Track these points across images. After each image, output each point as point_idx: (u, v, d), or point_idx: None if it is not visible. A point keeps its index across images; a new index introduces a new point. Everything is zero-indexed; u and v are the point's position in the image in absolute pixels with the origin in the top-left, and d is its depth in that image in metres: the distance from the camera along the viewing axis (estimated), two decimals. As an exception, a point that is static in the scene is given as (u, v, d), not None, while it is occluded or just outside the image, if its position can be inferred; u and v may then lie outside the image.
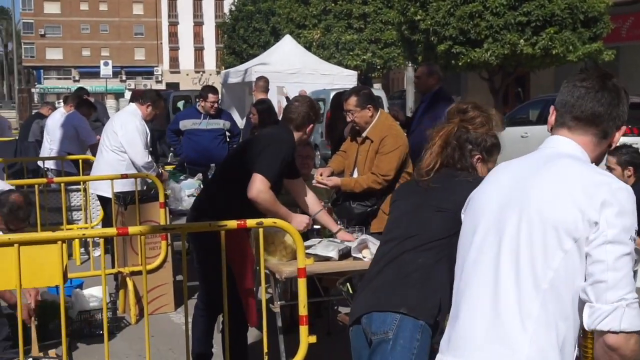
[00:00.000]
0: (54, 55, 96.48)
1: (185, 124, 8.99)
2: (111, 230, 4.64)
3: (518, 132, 15.45)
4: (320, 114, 20.53)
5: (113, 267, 6.77)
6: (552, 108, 2.30)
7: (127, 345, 5.88)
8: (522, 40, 18.74)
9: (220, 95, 15.88)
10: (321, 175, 5.64)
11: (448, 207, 2.94)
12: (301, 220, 4.75)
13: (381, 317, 2.90)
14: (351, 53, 30.16)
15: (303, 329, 4.14)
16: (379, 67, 30.94)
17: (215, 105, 8.95)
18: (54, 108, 12.15)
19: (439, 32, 19.66)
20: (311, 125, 4.92)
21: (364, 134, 5.65)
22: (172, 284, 6.80)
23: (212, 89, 9.14)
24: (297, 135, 4.86)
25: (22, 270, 3.75)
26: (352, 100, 5.62)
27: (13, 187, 5.10)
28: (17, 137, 12.84)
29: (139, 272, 6.49)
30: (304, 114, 4.87)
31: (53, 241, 3.85)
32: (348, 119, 5.75)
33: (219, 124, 9.00)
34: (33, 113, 15.21)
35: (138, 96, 8.01)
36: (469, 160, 3.12)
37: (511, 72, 21.07)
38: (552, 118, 2.30)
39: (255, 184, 4.48)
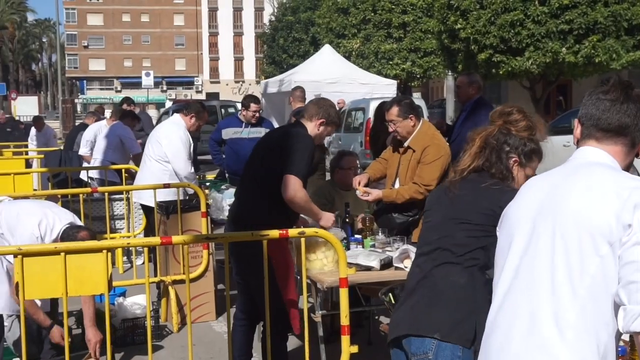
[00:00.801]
0: (97, 66, 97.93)
1: (227, 132, 9.04)
2: (155, 240, 4.68)
3: (560, 142, 15.27)
4: (361, 123, 20.48)
5: (155, 275, 6.83)
6: (576, 121, 2.30)
7: (169, 353, 5.93)
8: (564, 49, 18.57)
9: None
10: (359, 184, 5.62)
11: (471, 219, 2.92)
12: (329, 218, 4.86)
13: (419, 340, 2.91)
14: (390, 62, 30.12)
15: (345, 339, 4.14)
16: (418, 76, 30.84)
17: (257, 114, 8.99)
18: (99, 118, 12.32)
19: (480, 40, 19.56)
20: (322, 121, 4.92)
21: (406, 144, 5.62)
22: (214, 293, 6.84)
23: (254, 99, 9.19)
24: (309, 126, 4.89)
25: (68, 279, 3.80)
26: (394, 110, 5.60)
27: (82, 224, 5.15)
28: (61, 147, 13.04)
29: (181, 281, 6.56)
30: (315, 107, 4.95)
31: (98, 250, 3.90)
32: (390, 129, 5.73)
33: (260, 132, 9.03)
34: (77, 123, 15.46)
35: (182, 107, 8.10)
36: (505, 162, 3.05)
37: (553, 80, 20.87)
38: (577, 131, 2.30)
39: (290, 185, 4.50)
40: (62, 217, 5.06)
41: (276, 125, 16.71)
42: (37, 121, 16.81)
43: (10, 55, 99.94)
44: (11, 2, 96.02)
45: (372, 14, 30.64)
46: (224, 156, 9.23)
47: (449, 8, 20.81)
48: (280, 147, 4.69)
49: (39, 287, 3.88)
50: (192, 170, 7.53)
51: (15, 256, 3.81)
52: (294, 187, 4.50)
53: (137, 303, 6.45)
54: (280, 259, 4.48)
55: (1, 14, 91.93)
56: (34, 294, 3.96)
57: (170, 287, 6.56)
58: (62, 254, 3.79)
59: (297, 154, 4.58)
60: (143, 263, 8.62)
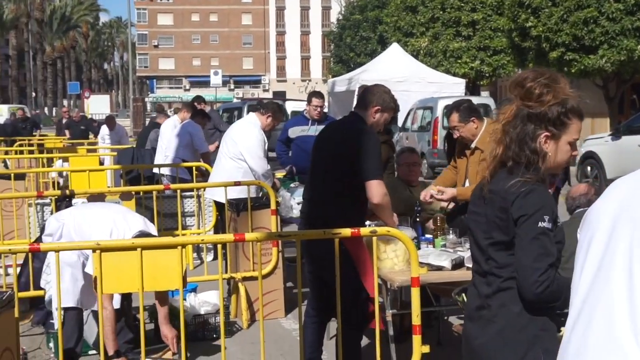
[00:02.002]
0: (166, 65, 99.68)
1: (294, 131, 9.07)
2: (228, 236, 4.74)
3: (634, 142, 14.88)
4: (429, 122, 20.33)
5: (225, 272, 6.91)
6: None
7: (239, 349, 5.98)
8: (639, 46, 18.09)
9: (327, 103, 16.07)
10: (430, 197, 5.60)
11: (498, 237, 2.74)
12: (396, 218, 4.88)
13: None
14: (459, 61, 29.83)
15: (416, 339, 4.11)
16: (487, 74, 30.47)
17: (319, 109, 9.00)
18: (168, 117, 12.54)
19: (551, 38, 19.23)
20: (378, 108, 4.87)
21: (472, 145, 5.59)
22: (283, 290, 6.88)
23: (316, 94, 9.21)
24: (365, 116, 4.88)
25: (144, 274, 3.87)
26: (454, 117, 5.62)
27: (152, 231, 5.24)
28: (134, 145, 13.30)
29: (250, 278, 6.63)
30: (369, 95, 4.91)
31: (173, 246, 3.97)
32: (455, 136, 5.72)
33: None
34: (149, 122, 15.76)
35: (258, 106, 8.19)
36: (532, 145, 2.70)
37: (627, 79, 20.37)
38: None
39: (376, 190, 4.55)
40: (133, 225, 5.14)
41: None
42: (110, 120, 17.18)
43: (83, 55, 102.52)
44: (84, 3, 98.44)
45: (441, 12, 30.38)
46: (290, 154, 9.27)
47: (519, 6, 20.51)
48: (349, 149, 4.68)
49: (116, 282, 3.96)
50: (269, 167, 7.61)
51: (93, 251, 3.90)
52: (380, 192, 4.56)
53: (208, 299, 6.54)
54: (360, 255, 4.50)
55: (75, 14, 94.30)
56: (111, 288, 4.05)
57: (240, 284, 6.63)
58: (139, 249, 3.86)
59: (370, 156, 4.58)
60: (213, 260, 8.75)
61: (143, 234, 4.99)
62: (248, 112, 23.35)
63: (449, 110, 5.81)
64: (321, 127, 8.94)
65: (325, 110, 12.85)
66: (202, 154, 10.29)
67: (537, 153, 2.70)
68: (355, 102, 10.10)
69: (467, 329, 2.92)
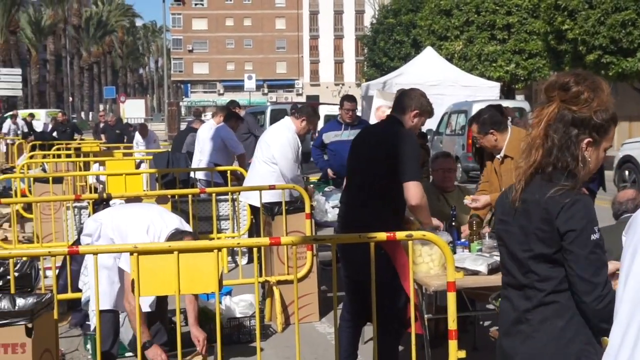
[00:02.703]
0: (201, 69, 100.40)
1: (328, 136, 9.09)
2: (263, 240, 4.75)
3: (672, 146, 14.69)
4: (463, 126, 20.20)
5: (260, 275, 6.93)
6: None
7: (274, 353, 6.00)
8: (679, 49, 17.86)
9: (360, 107, 16.07)
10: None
11: (539, 250, 2.61)
12: (437, 222, 4.92)
13: None
14: (494, 64, 29.65)
15: (452, 344, 4.08)
16: (522, 78, 30.24)
17: (351, 112, 9.01)
18: (202, 122, 12.64)
19: (588, 41, 19.04)
20: (416, 112, 4.88)
21: (501, 155, 5.56)
22: (317, 294, 6.89)
23: (348, 97, 9.24)
24: (404, 120, 4.88)
25: (181, 277, 3.90)
26: (474, 127, 5.69)
27: (187, 229, 5.28)
28: (169, 149, 13.42)
29: (285, 281, 6.64)
30: (407, 99, 4.93)
31: (210, 249, 3.99)
32: (478, 146, 5.80)
33: None
34: (182, 126, 15.89)
35: (293, 110, 8.23)
36: (573, 150, 2.61)
37: (666, 82, 20.09)
38: None
39: (414, 192, 4.59)
40: (169, 224, 5.18)
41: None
42: (142, 128, 17.36)
43: (119, 60, 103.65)
44: (121, 8, 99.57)
45: (476, 16, 30.23)
46: (326, 157, 9.29)
47: (556, 8, 20.33)
48: (388, 151, 4.69)
49: (153, 284, 3.99)
50: (299, 172, 7.63)
51: (131, 254, 3.94)
52: (418, 194, 4.60)
53: (242, 302, 6.57)
54: (400, 259, 4.50)
55: (112, 19, 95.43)
56: (148, 291, 4.08)
57: (274, 287, 6.64)
58: (176, 252, 3.89)
59: (409, 158, 4.59)
60: (247, 263, 8.78)
61: (179, 232, 5.04)
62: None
63: (469, 121, 5.84)
64: (354, 131, 8.96)
65: (359, 113, 12.84)
66: (237, 156, 10.36)
67: (577, 159, 2.61)
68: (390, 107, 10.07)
69: (503, 344, 2.79)
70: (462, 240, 5.19)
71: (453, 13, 31.01)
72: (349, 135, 8.98)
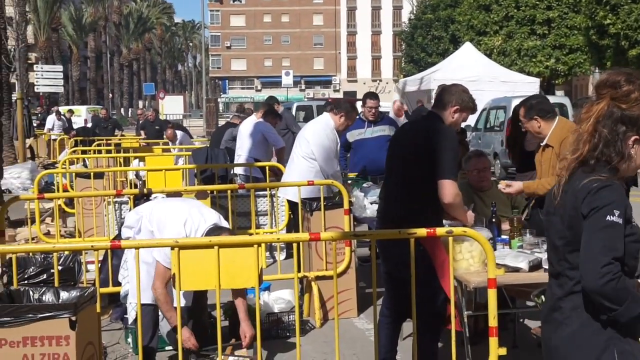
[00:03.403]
0: (238, 66, 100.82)
1: (352, 135, 9.04)
2: (303, 235, 4.77)
3: None
4: (502, 122, 20.03)
5: (298, 271, 6.94)
6: None
7: (312, 348, 6.01)
8: None
9: (401, 103, 16.00)
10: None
11: (569, 237, 2.70)
12: (471, 216, 4.87)
13: None
14: (534, 60, 29.37)
15: (493, 341, 4.05)
16: (562, 73, 29.88)
17: (374, 110, 8.97)
18: (243, 119, 12.65)
19: (631, 36, 18.77)
20: (457, 107, 4.84)
21: (543, 143, 5.53)
22: (356, 290, 6.88)
23: (371, 95, 9.20)
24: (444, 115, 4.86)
25: (221, 272, 3.93)
26: (521, 111, 5.70)
27: (225, 225, 5.31)
28: (208, 145, 13.49)
29: (323, 277, 6.65)
30: (448, 95, 4.90)
31: (250, 244, 4.01)
32: (523, 129, 5.75)
33: (384, 130, 8.96)
34: (220, 122, 15.91)
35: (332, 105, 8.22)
36: (620, 146, 2.69)
37: None
38: None
39: (448, 190, 4.55)
40: (208, 218, 5.21)
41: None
42: (179, 128, 17.27)
43: (158, 57, 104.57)
44: (159, 6, 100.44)
45: (515, 11, 29.96)
46: (348, 155, 9.27)
47: (597, 3, 20.08)
48: (426, 148, 4.66)
49: (193, 279, 4.02)
50: (338, 168, 7.62)
51: (172, 249, 3.98)
52: (452, 192, 4.57)
53: (281, 298, 6.59)
54: (439, 256, 4.48)
55: (152, 16, 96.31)
56: (188, 285, 4.11)
57: (313, 283, 6.65)
58: (216, 247, 3.92)
59: (446, 154, 4.55)
60: (285, 258, 8.80)
61: (217, 228, 5.06)
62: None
63: (517, 105, 5.91)
64: (377, 127, 8.95)
65: (390, 110, 12.77)
66: (277, 150, 10.39)
67: (622, 155, 2.70)
68: (431, 100, 10.03)
69: (543, 331, 2.94)
70: (503, 236, 5.15)
71: (492, 8, 30.76)
72: (372, 132, 8.96)
